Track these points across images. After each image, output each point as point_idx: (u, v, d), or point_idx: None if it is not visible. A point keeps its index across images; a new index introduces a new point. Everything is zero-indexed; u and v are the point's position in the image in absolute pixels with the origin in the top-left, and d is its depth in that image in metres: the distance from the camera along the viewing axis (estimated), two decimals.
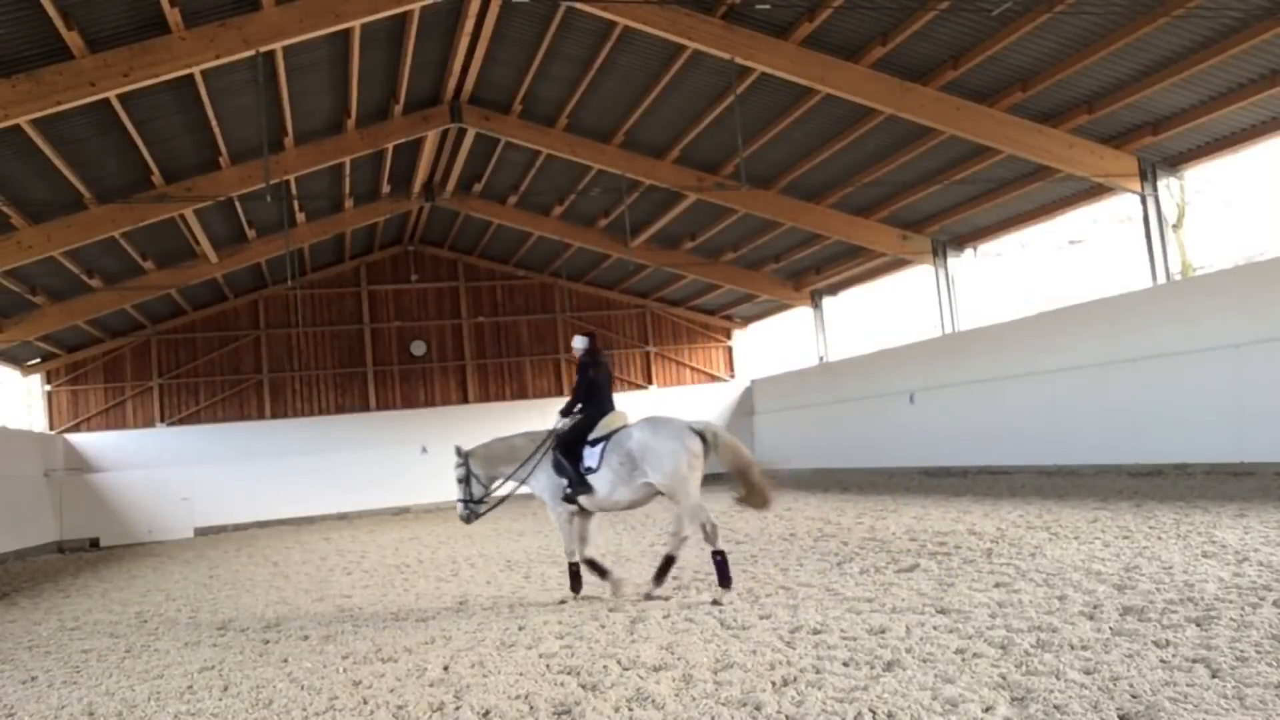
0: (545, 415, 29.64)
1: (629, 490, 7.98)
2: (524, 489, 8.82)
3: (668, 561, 8.04)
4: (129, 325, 23.90)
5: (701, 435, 7.86)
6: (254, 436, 24.78)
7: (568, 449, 8.20)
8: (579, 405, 8.40)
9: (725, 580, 7.61)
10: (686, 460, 7.72)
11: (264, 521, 23.69)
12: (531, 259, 26.52)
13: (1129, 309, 15.60)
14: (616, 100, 17.08)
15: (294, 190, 18.86)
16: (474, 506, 8.62)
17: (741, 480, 7.87)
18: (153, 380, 24.79)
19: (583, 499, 8.15)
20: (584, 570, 8.39)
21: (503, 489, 8.72)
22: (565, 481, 8.16)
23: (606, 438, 8.08)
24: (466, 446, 8.72)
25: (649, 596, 7.87)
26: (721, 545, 7.68)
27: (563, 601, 8.13)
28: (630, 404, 28.24)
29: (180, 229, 18.22)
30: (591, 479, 8.03)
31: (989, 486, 15.46)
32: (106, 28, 11.59)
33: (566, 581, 8.50)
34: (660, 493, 7.95)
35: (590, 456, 8.06)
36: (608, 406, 8.41)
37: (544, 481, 8.38)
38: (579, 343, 8.63)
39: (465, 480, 8.58)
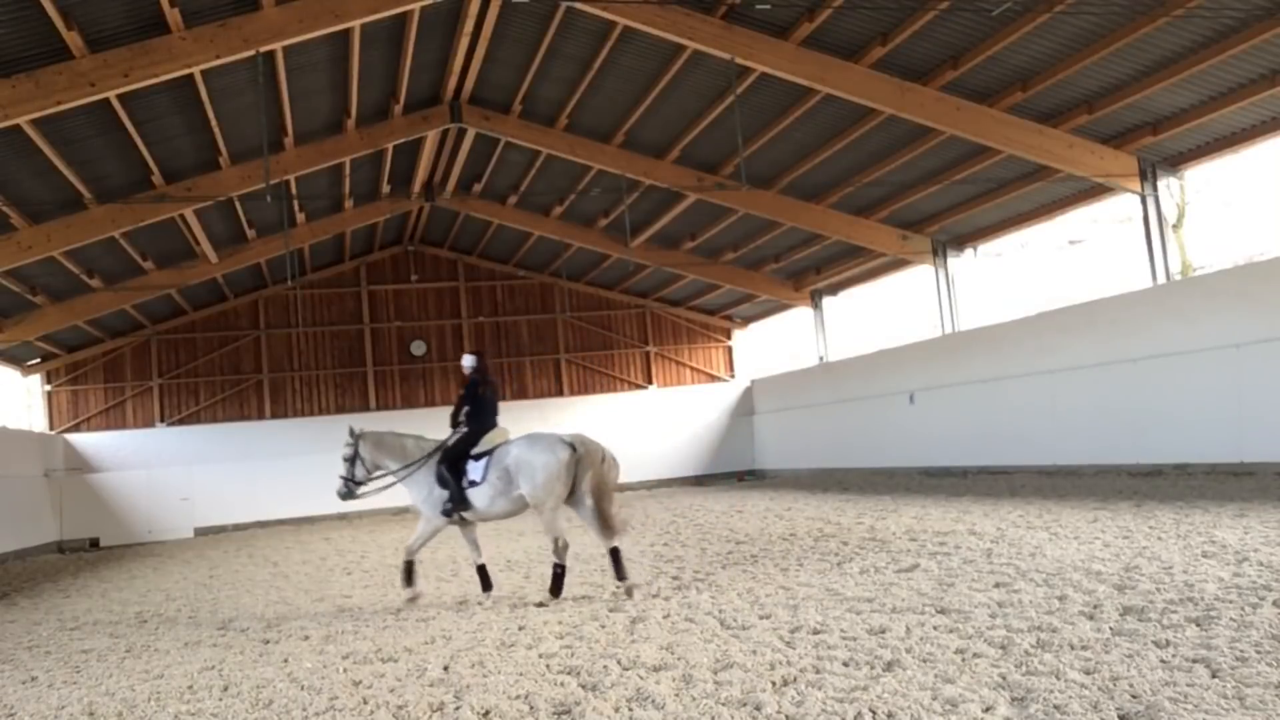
0: (545, 415, 29.82)
1: (506, 502, 8.43)
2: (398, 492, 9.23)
3: (560, 571, 8.37)
4: (129, 325, 23.90)
5: (571, 446, 8.31)
6: (254, 436, 24.78)
7: (452, 464, 8.54)
8: (463, 421, 8.78)
9: (556, 590, 8.26)
10: (556, 473, 8.17)
11: (264, 521, 23.70)
12: (531, 259, 26.52)
13: (1129, 309, 15.60)
14: (616, 100, 17.07)
15: (294, 190, 18.85)
16: (353, 487, 8.88)
17: (596, 498, 8.27)
18: (153, 380, 24.79)
19: (463, 513, 8.59)
20: (477, 574, 8.89)
21: (381, 484, 9.03)
22: (446, 495, 8.53)
23: (489, 452, 8.52)
24: (360, 429, 9.07)
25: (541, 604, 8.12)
26: (566, 561, 8.36)
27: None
28: (630, 404, 28.11)
29: (180, 229, 18.22)
30: (473, 492, 8.45)
31: (989, 486, 15.46)
32: (106, 28, 11.58)
33: (568, 583, 8.49)
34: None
35: (474, 470, 8.48)
36: (491, 423, 8.78)
37: (424, 494, 8.72)
38: (468, 360, 9.05)
39: (351, 460, 8.86)
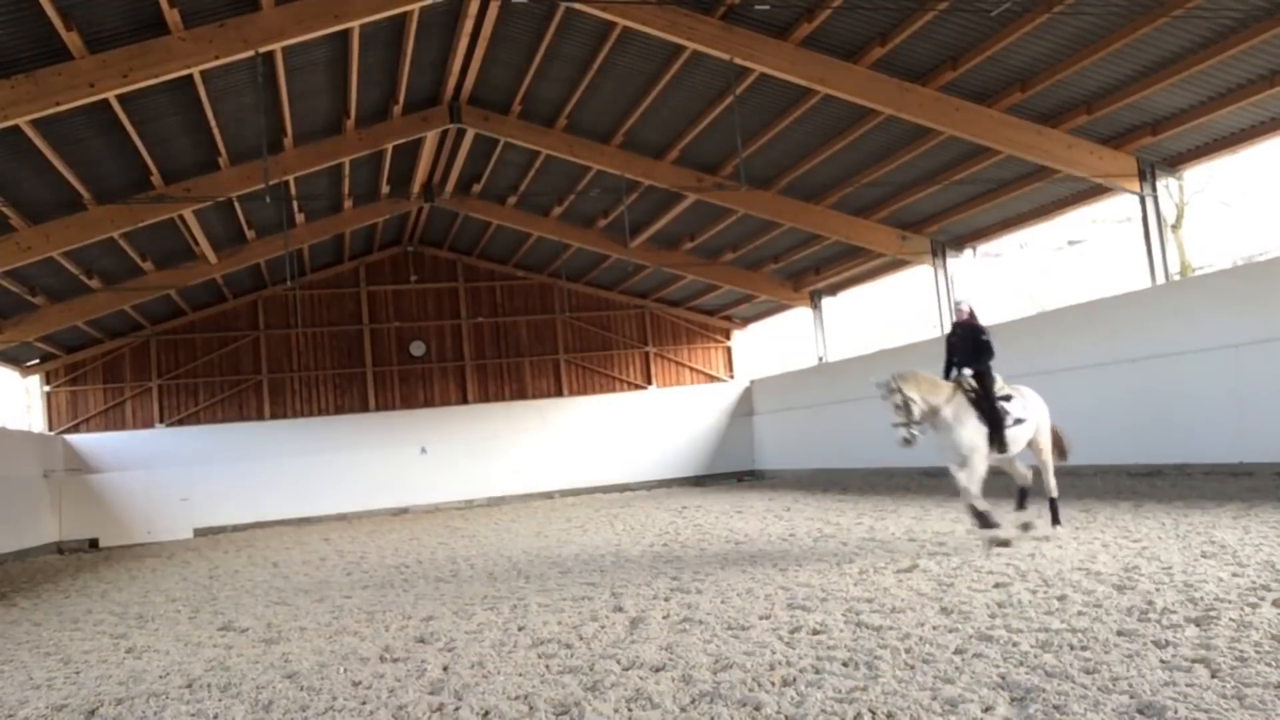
0: (545, 415, 29.63)
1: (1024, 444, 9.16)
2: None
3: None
4: (128, 326, 23.89)
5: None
6: (253, 437, 24.77)
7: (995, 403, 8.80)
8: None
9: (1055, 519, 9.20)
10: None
11: (264, 522, 23.70)
12: (531, 259, 26.52)
13: (1129, 309, 15.60)
14: (616, 100, 17.07)
15: (293, 191, 18.85)
16: (916, 432, 8.67)
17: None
18: (152, 381, 24.78)
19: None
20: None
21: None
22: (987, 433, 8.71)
23: (1009, 396, 9.00)
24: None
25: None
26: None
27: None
28: (630, 405, 27.96)
29: (179, 230, 18.22)
30: (1015, 431, 8.88)
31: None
32: (106, 28, 11.58)
33: (567, 584, 8.51)
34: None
35: (1016, 409, 8.92)
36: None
37: (974, 430, 8.68)
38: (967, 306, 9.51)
39: (905, 406, 8.60)
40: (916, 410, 8.52)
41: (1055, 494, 9.29)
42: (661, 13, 13.68)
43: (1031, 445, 9.18)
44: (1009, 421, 8.71)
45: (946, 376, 8.99)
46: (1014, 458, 9.16)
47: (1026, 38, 13.18)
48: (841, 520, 12.57)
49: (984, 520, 8.52)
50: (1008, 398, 8.86)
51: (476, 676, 5.61)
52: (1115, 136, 15.36)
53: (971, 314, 9.31)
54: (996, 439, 8.63)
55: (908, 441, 8.59)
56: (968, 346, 9.06)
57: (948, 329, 9.57)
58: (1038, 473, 9.41)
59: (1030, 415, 9.01)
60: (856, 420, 22.52)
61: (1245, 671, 4.36)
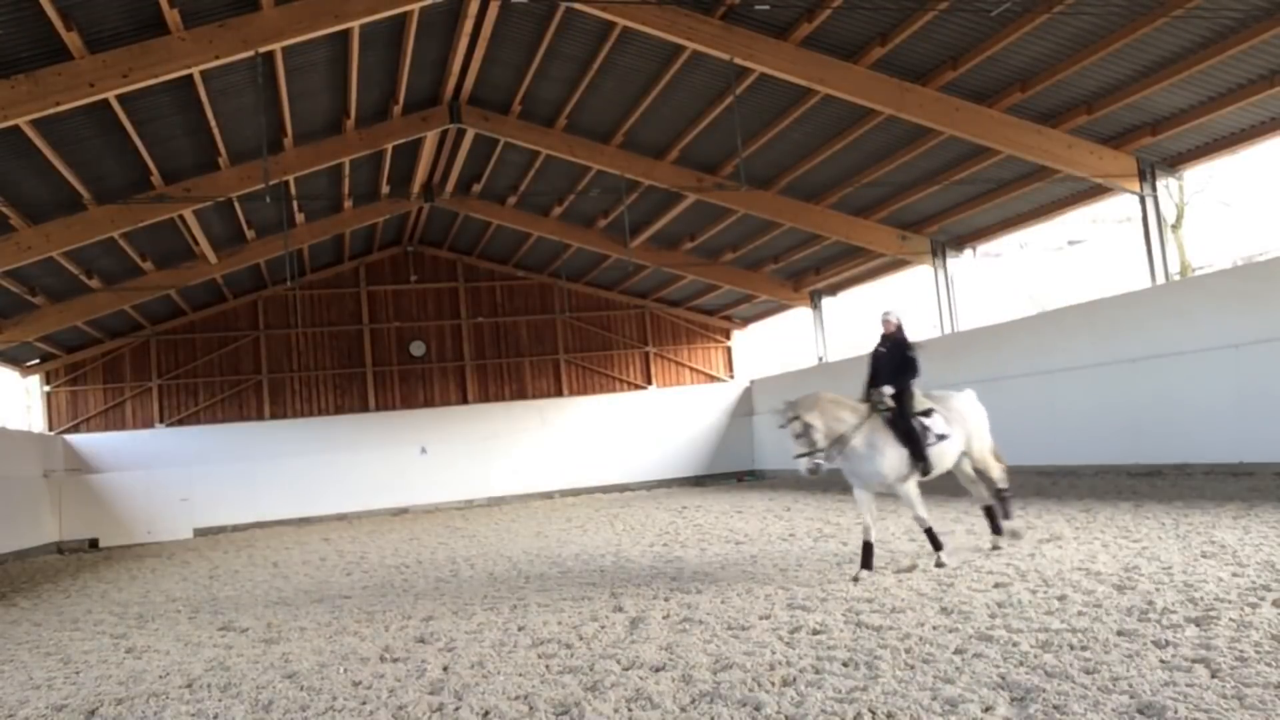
0: (545, 415, 29.53)
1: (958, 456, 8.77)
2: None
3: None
4: (128, 326, 23.89)
5: None
6: (253, 437, 24.77)
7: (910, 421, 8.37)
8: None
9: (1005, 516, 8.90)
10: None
11: (264, 522, 23.70)
12: (531, 259, 26.52)
13: (1129, 309, 15.60)
14: (616, 100, 17.07)
15: (293, 191, 18.85)
16: (820, 460, 8.10)
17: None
18: (152, 381, 24.78)
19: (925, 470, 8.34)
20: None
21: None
22: (909, 454, 8.23)
23: (928, 410, 8.54)
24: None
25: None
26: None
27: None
28: (629, 405, 27.88)
29: (179, 230, 18.22)
30: (940, 448, 8.42)
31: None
32: (106, 28, 11.58)
33: (567, 584, 8.49)
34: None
35: (938, 425, 8.47)
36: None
37: (893, 454, 8.20)
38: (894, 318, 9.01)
39: (804, 434, 8.07)
40: (818, 437, 8.01)
41: (1004, 485, 8.90)
42: (661, 13, 13.68)
43: (968, 455, 8.78)
44: (930, 439, 8.23)
45: (867, 393, 8.54)
46: (973, 478, 8.88)
47: (1026, 38, 13.18)
48: (841, 520, 12.57)
49: (934, 539, 8.26)
50: (927, 413, 8.39)
51: (476, 676, 5.61)
52: (1115, 136, 15.36)
53: (899, 327, 8.84)
54: (919, 462, 8.18)
55: (813, 471, 8.02)
56: (893, 361, 8.59)
57: (875, 341, 9.08)
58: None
59: (955, 430, 8.52)
60: None
61: (1245, 671, 4.36)
